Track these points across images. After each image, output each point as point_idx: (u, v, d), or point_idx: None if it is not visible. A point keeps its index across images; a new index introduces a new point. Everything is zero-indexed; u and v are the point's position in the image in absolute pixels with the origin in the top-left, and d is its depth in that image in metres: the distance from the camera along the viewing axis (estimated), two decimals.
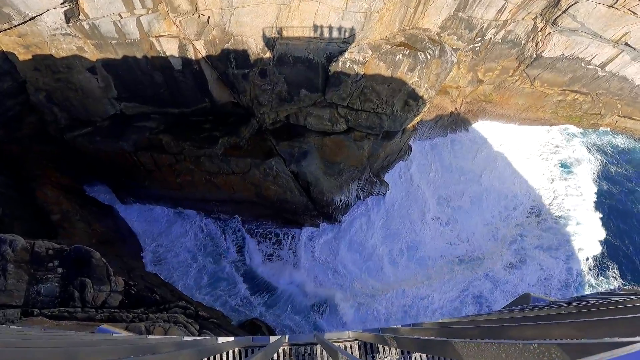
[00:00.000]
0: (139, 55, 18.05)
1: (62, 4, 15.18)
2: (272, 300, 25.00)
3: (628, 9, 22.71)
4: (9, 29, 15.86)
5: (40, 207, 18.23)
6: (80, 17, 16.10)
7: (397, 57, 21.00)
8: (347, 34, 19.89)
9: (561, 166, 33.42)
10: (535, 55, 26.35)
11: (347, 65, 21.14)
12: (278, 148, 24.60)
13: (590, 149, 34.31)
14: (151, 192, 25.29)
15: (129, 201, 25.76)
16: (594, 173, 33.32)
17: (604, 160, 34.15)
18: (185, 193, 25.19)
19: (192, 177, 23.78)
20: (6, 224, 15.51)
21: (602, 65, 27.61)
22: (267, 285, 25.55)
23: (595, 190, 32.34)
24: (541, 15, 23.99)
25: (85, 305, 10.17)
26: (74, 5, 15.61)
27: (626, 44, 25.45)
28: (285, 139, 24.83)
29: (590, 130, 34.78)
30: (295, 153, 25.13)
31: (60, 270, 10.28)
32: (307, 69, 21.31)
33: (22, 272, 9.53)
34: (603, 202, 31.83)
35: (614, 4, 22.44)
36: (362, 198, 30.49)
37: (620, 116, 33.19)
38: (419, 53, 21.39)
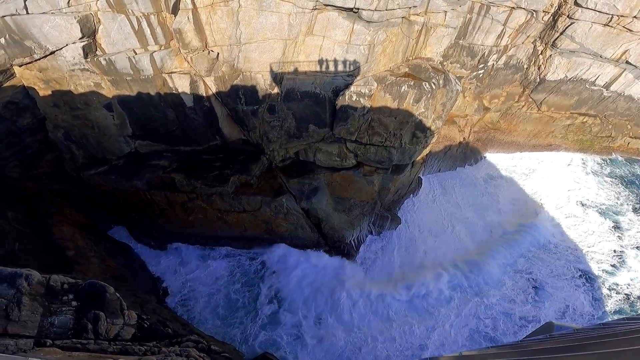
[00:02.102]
0: (152, 92, 18.62)
1: (80, 39, 15.91)
2: None
3: (623, 27, 23.10)
4: (30, 62, 16.49)
5: (56, 243, 18.65)
6: (97, 52, 16.85)
7: (403, 88, 21.30)
8: (352, 67, 20.36)
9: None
10: (538, 79, 26.65)
11: (354, 99, 21.45)
12: (288, 185, 24.54)
13: None
14: (165, 230, 25.30)
15: (144, 240, 25.81)
16: None
17: None
18: (198, 230, 25.08)
19: (205, 215, 23.79)
20: (21, 259, 15.86)
21: (607, 86, 27.75)
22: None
23: None
24: (540, 38, 24.56)
25: (98, 338, 10.21)
26: (91, 41, 16.36)
27: (627, 62, 25.66)
28: (295, 176, 24.85)
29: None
30: (306, 190, 25.08)
31: (74, 303, 10.46)
32: (315, 103, 21.67)
33: (36, 304, 9.71)
34: None
35: (609, 22, 22.86)
36: (373, 233, 29.73)
37: (631, 137, 32.84)
38: (423, 83, 21.71)
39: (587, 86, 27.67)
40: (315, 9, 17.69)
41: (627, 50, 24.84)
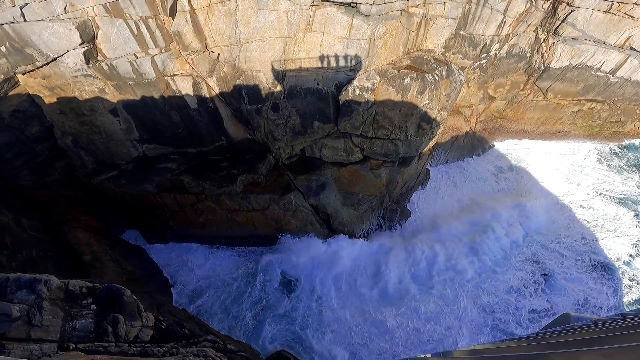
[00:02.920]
0: (156, 95, 18.85)
1: (80, 44, 16.16)
2: None
3: (625, 13, 22.83)
4: (33, 70, 16.77)
5: (72, 248, 19.05)
6: (98, 57, 17.11)
7: (406, 80, 21.26)
8: (353, 62, 20.37)
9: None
10: (543, 67, 26.39)
11: (357, 93, 21.45)
12: (296, 182, 24.63)
13: None
14: (176, 231, 25.61)
15: (156, 242, 26.25)
16: None
17: None
18: (209, 231, 25.31)
19: (215, 216, 23.98)
20: (40, 265, 16.31)
21: (613, 72, 27.38)
22: None
23: None
24: (541, 26, 24.34)
25: (119, 340, 10.33)
26: (92, 46, 16.60)
27: (632, 49, 25.32)
28: (302, 173, 24.94)
29: None
30: (313, 186, 25.17)
31: (93, 307, 10.64)
32: (318, 99, 21.74)
33: (57, 309, 9.87)
34: None
35: (610, 9, 22.65)
36: (383, 227, 29.69)
37: None
38: (426, 75, 21.63)
39: (592, 73, 27.35)
40: (313, 5, 17.73)
41: (630, 37, 24.61)
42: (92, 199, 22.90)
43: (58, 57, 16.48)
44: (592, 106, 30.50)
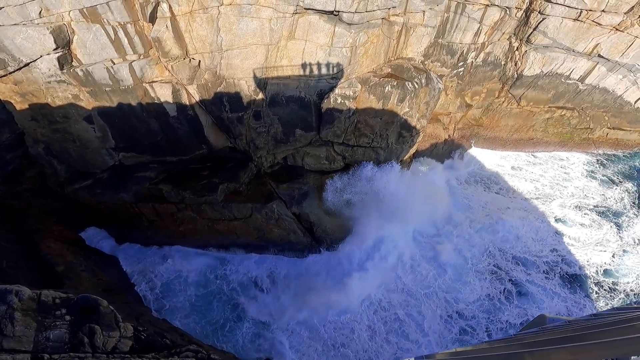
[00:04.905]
0: (133, 102, 18.32)
1: (55, 50, 15.59)
2: None
3: (592, 21, 23.78)
4: (4, 75, 16.10)
5: (44, 259, 18.38)
6: (73, 63, 16.50)
7: (386, 88, 21.56)
8: (335, 70, 20.50)
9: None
10: (516, 75, 27.25)
11: (339, 101, 21.56)
12: (278, 191, 24.42)
13: None
14: (156, 241, 25.06)
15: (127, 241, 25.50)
16: None
17: None
18: (189, 240, 24.82)
19: (195, 225, 23.52)
20: (10, 276, 15.59)
21: (581, 79, 28.49)
22: None
23: None
24: (515, 34, 25.17)
25: (96, 351, 10.02)
26: (66, 51, 16.03)
27: (599, 56, 26.39)
28: (284, 181, 24.80)
29: None
30: (296, 194, 25.05)
31: (68, 317, 10.29)
32: (300, 107, 21.71)
33: (29, 319, 9.64)
34: None
35: (579, 16, 23.54)
36: None
37: (609, 128, 33.72)
38: (406, 83, 22.00)
39: (562, 80, 28.35)
40: (296, 13, 17.79)
41: (598, 44, 25.55)
42: (65, 209, 22.09)
43: (31, 62, 15.87)
44: (563, 113, 31.65)
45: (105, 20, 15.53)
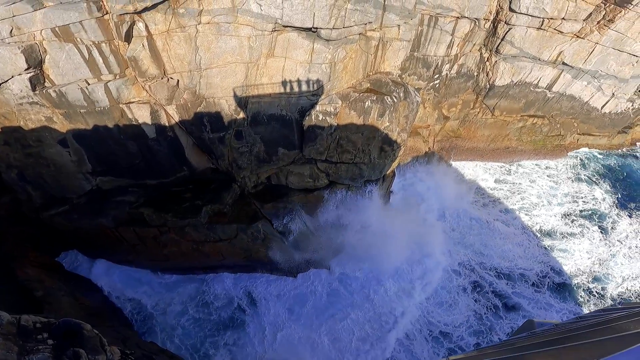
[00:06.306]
0: (110, 124, 17.68)
1: (26, 70, 14.92)
2: None
3: (554, 29, 24.81)
4: None
5: (22, 284, 17.70)
6: (46, 84, 15.81)
7: (367, 103, 21.77)
8: (315, 86, 20.58)
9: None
10: (488, 85, 28.11)
11: (320, 118, 21.58)
12: (263, 210, 24.11)
13: None
14: (140, 265, 24.33)
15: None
16: None
17: None
18: (174, 263, 24.15)
19: (179, 248, 22.88)
20: None
21: (549, 87, 29.61)
22: None
23: None
24: (484, 45, 26.06)
25: None
26: (38, 72, 15.38)
27: (564, 63, 27.57)
28: (269, 201, 24.52)
29: None
30: (281, 213, 24.56)
31: (50, 341, 9.71)
32: (282, 126, 21.60)
33: (10, 343, 9.09)
34: None
35: (542, 25, 24.54)
36: None
37: (579, 134, 35.07)
38: (385, 97, 22.30)
39: (531, 89, 29.37)
40: (274, 31, 17.84)
41: (561, 52, 26.71)
42: (42, 235, 21.15)
43: (2, 82, 15.15)
44: (534, 121, 32.73)
45: (78, 39, 15.05)
